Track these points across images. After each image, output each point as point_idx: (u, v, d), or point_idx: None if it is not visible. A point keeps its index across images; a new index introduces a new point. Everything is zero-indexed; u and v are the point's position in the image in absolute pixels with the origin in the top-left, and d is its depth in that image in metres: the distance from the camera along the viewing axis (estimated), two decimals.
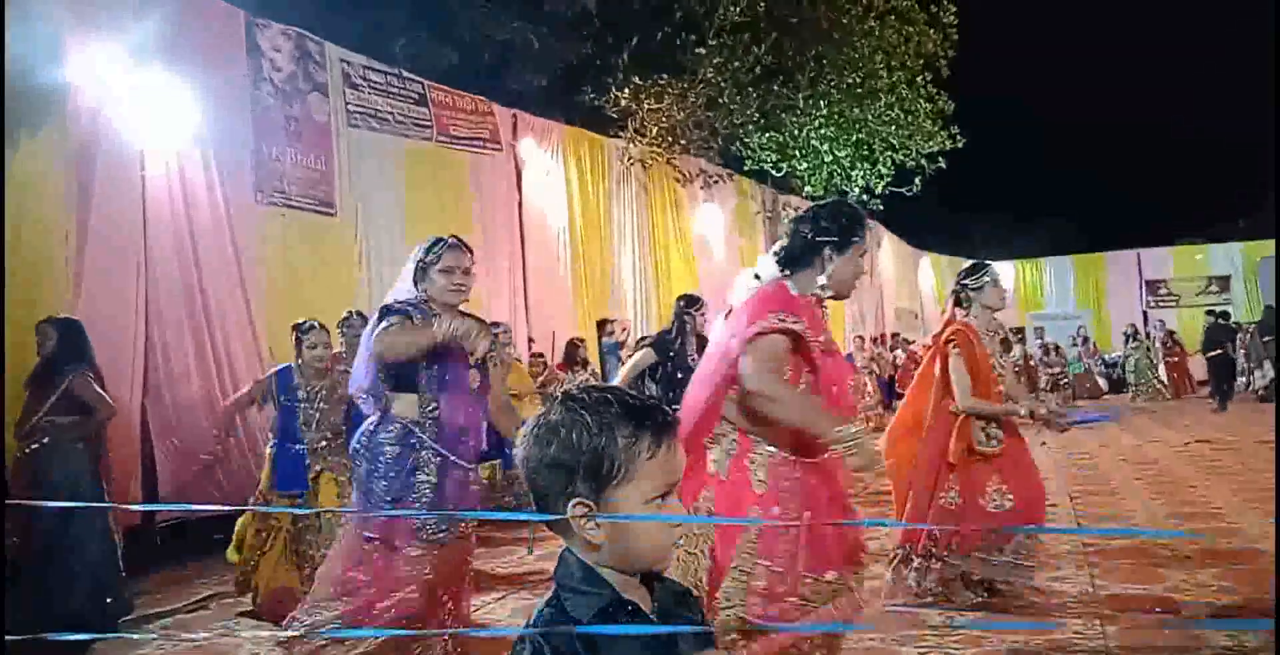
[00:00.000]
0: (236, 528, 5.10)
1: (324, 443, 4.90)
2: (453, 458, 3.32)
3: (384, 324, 3.22)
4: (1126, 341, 18.58)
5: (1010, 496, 4.24)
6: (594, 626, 1.21)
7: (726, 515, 2.67)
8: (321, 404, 4.95)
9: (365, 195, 8.40)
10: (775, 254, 2.92)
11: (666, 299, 12.64)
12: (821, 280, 2.83)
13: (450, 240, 3.37)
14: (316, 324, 4.99)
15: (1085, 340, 20.27)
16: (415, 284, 3.37)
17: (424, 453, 3.29)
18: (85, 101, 6.07)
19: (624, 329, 10.77)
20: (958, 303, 4.52)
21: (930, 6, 16.22)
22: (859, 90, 15.76)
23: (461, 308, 4.01)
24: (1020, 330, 19.39)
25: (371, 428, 3.37)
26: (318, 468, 4.88)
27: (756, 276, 2.93)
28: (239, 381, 6.73)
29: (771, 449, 2.72)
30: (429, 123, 9.26)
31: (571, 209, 11.21)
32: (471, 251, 3.42)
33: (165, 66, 6.55)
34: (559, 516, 1.24)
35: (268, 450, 5.07)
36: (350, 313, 5.87)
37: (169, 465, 6.24)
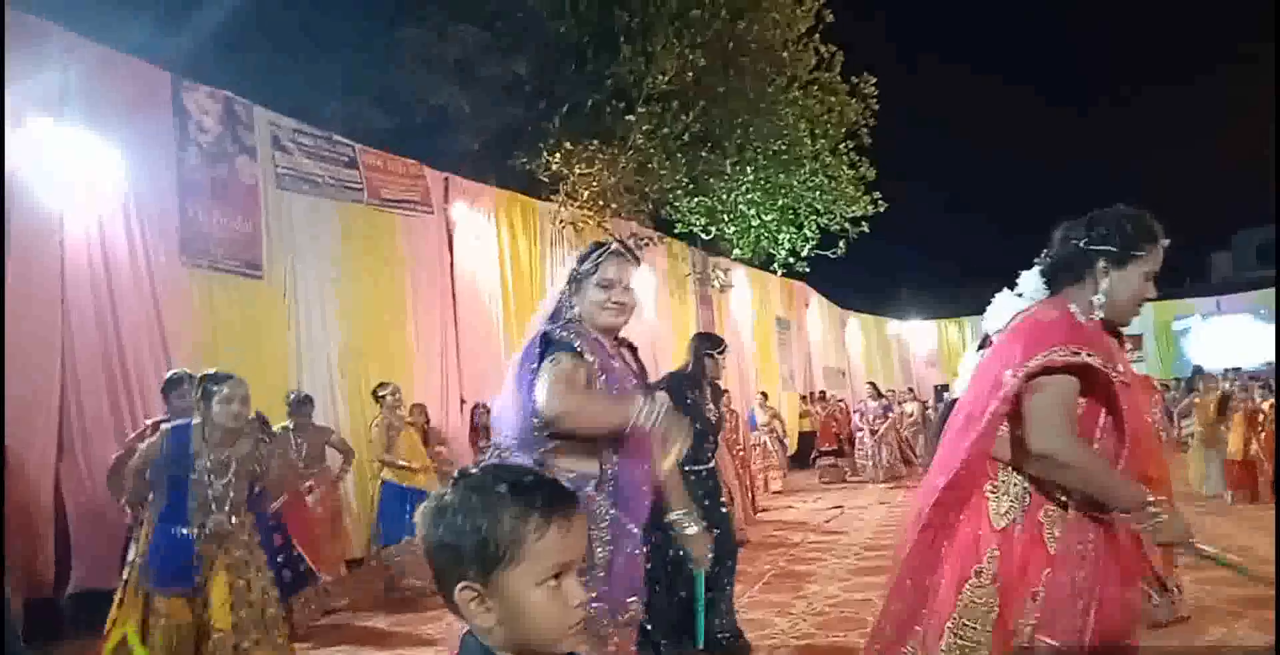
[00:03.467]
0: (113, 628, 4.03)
1: (226, 526, 3.94)
2: (630, 525, 2.56)
3: (554, 368, 2.45)
4: None
5: None
6: None
7: (1013, 574, 2.28)
8: (230, 476, 3.99)
9: (295, 258, 8.34)
10: (1040, 264, 2.50)
11: None
12: (1096, 299, 2.36)
13: (613, 246, 2.69)
14: (235, 375, 4.08)
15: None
16: (568, 299, 2.68)
17: (599, 519, 2.53)
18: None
19: None
20: None
21: (851, 78, 16.83)
22: (784, 157, 16.19)
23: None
24: (946, 386, 19.75)
25: None
26: (211, 559, 3.92)
27: (1019, 294, 2.52)
28: None
29: (1065, 504, 2.31)
30: (360, 186, 9.27)
31: (504, 271, 11.24)
32: (638, 262, 2.75)
33: (87, 126, 6.48)
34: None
35: (142, 533, 4.02)
36: (185, 374, 4.98)
37: (82, 531, 6.02)
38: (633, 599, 2.54)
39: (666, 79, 13.97)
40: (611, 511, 2.51)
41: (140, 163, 6.90)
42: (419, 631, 5.74)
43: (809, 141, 16.20)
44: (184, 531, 3.87)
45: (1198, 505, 9.23)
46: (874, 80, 16.96)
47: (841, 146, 16.80)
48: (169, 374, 5.26)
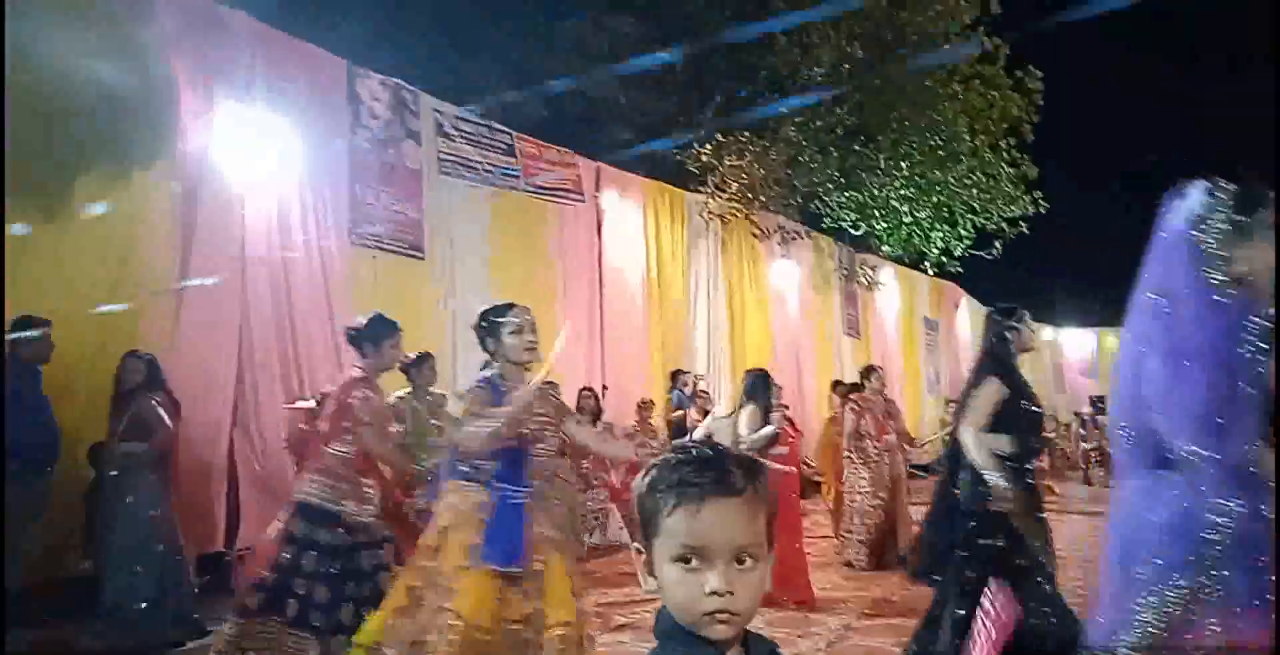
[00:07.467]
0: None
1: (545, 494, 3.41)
2: None
3: None
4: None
5: None
6: None
7: None
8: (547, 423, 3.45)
9: (453, 241, 8.58)
10: None
11: (740, 352, 12.58)
12: None
13: None
14: (515, 303, 3.52)
15: None
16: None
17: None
18: (193, 142, 6.33)
19: (696, 380, 10.73)
20: None
21: (1016, 72, 16.17)
22: (941, 153, 15.71)
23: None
24: (1102, 398, 18.76)
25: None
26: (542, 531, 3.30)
27: None
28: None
29: None
30: (516, 172, 9.45)
31: (650, 260, 11.29)
32: None
33: (269, 111, 6.81)
34: None
35: (466, 494, 3.33)
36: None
37: (250, 494, 6.37)
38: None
39: (821, 72, 13.75)
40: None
41: (315, 146, 7.21)
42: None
43: (968, 137, 15.68)
44: (517, 496, 3.29)
45: None
46: (1040, 74, 16.28)
47: (1002, 143, 16.18)
48: (415, 355, 5.56)
